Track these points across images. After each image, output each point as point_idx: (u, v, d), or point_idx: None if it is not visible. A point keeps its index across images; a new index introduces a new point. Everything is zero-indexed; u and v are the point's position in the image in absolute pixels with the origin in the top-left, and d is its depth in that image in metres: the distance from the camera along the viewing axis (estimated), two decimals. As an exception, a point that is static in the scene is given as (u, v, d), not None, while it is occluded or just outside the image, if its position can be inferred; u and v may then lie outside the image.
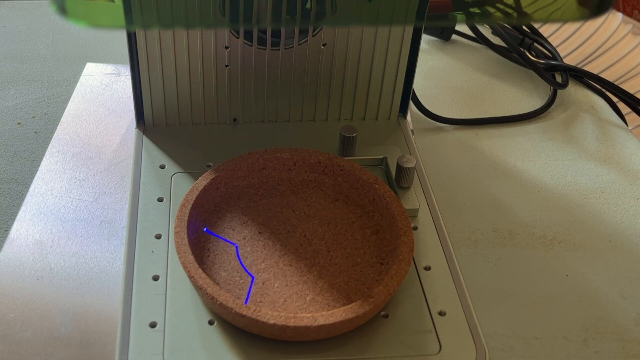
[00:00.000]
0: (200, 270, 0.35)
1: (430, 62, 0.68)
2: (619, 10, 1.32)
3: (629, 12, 1.36)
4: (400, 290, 0.37)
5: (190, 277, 0.35)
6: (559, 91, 0.63)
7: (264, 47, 0.46)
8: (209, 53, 0.46)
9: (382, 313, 0.36)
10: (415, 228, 0.41)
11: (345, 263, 0.38)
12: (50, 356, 0.38)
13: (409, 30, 0.47)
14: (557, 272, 0.45)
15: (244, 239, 0.39)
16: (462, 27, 0.70)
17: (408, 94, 0.51)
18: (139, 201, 0.42)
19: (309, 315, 0.34)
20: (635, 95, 0.64)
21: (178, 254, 0.36)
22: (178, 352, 0.34)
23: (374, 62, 0.48)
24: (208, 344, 0.34)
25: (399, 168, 0.43)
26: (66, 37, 0.70)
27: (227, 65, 0.47)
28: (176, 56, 0.46)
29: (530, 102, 0.62)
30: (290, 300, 0.36)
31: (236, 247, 0.38)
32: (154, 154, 0.46)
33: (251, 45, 0.46)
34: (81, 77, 0.62)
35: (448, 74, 0.66)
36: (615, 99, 0.65)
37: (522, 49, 0.65)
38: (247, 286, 0.37)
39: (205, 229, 0.39)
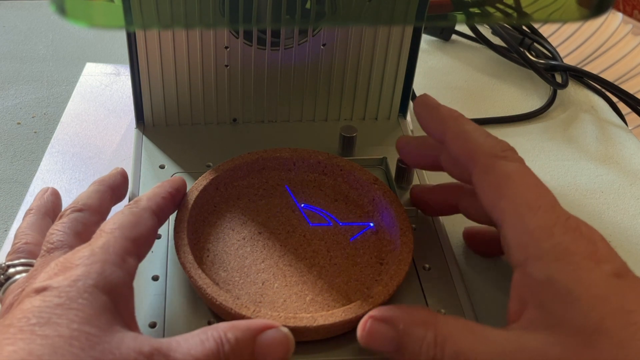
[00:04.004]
0: (199, 271, 0.35)
1: (430, 62, 0.68)
2: (619, 10, 1.32)
3: (629, 12, 1.36)
4: (400, 291, 0.37)
5: (190, 277, 0.35)
6: (559, 91, 0.63)
7: (263, 47, 0.46)
8: (208, 53, 0.46)
9: (381, 313, 0.36)
10: (415, 228, 0.41)
11: (345, 263, 0.38)
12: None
13: (409, 30, 0.47)
14: (557, 272, 0.45)
15: (244, 239, 0.39)
16: (462, 27, 0.70)
17: (408, 94, 0.51)
18: (139, 201, 0.42)
19: (308, 315, 0.34)
20: (635, 95, 0.64)
21: (178, 254, 0.36)
22: (177, 352, 0.34)
23: (374, 62, 0.48)
24: (208, 344, 0.34)
25: (399, 168, 0.43)
26: (66, 37, 0.70)
27: (226, 65, 0.47)
28: (176, 56, 0.46)
29: (530, 102, 0.62)
30: (290, 300, 0.36)
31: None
32: (153, 154, 0.46)
33: (251, 46, 0.46)
34: (81, 77, 0.62)
35: (448, 74, 0.66)
36: (615, 99, 0.65)
37: (522, 49, 0.65)
38: (246, 286, 0.37)
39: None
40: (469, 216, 0.39)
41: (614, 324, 0.28)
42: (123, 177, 0.41)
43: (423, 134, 0.38)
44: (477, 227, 0.41)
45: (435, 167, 0.39)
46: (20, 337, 0.26)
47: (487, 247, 0.42)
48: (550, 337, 0.29)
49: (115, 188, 0.40)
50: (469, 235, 0.42)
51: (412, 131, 0.51)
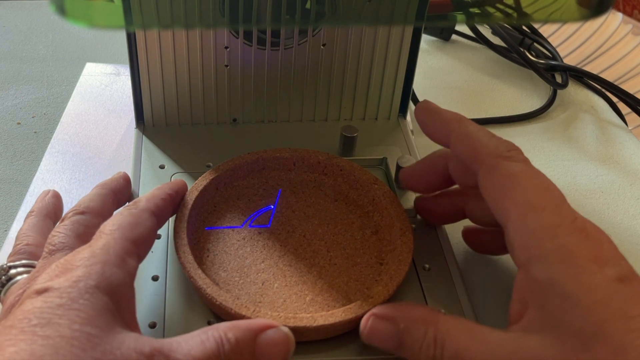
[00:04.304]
0: (199, 271, 0.35)
1: (430, 62, 0.68)
2: (619, 10, 1.32)
3: (629, 12, 1.36)
4: (400, 291, 0.37)
5: (190, 278, 0.35)
6: (559, 91, 0.63)
7: (263, 47, 0.46)
8: (208, 53, 0.46)
9: (381, 313, 0.36)
10: (414, 228, 0.41)
11: (345, 263, 0.38)
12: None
13: (409, 30, 0.47)
14: (557, 273, 0.45)
15: (244, 239, 0.39)
16: (462, 27, 0.70)
17: (408, 94, 0.51)
18: (139, 201, 0.42)
19: (308, 315, 0.34)
20: (635, 95, 0.64)
21: (177, 254, 0.36)
22: (177, 352, 0.34)
23: (374, 62, 0.48)
24: (207, 345, 0.34)
25: (399, 168, 0.43)
26: (66, 37, 0.70)
27: (226, 66, 0.47)
28: (176, 56, 0.46)
29: (530, 102, 0.62)
30: (290, 300, 0.36)
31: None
32: (153, 154, 0.46)
33: (251, 46, 0.46)
34: (81, 77, 0.62)
35: (448, 74, 0.66)
36: (615, 99, 0.65)
37: (522, 49, 0.65)
38: (246, 287, 0.37)
39: (206, 228, 0.39)
40: (474, 220, 0.39)
41: (613, 329, 0.27)
42: (125, 181, 0.41)
43: (424, 139, 0.38)
44: (476, 228, 0.41)
45: (447, 183, 0.38)
46: (22, 337, 0.26)
47: (485, 245, 0.42)
48: (547, 339, 0.29)
49: (118, 191, 0.40)
50: (467, 233, 0.42)
51: (412, 131, 0.51)
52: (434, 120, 0.37)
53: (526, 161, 0.33)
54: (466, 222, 0.41)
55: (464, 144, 0.35)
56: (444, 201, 0.40)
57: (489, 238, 0.40)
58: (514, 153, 0.33)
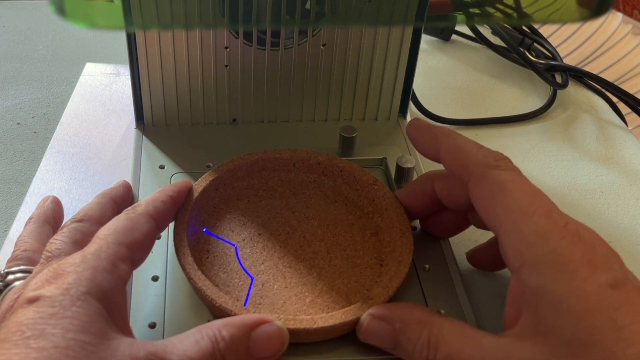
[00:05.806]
0: (199, 272, 0.35)
1: (430, 62, 0.68)
2: (619, 10, 1.32)
3: (629, 12, 1.36)
4: (400, 291, 0.37)
5: (189, 279, 0.35)
6: (559, 91, 0.63)
7: (263, 48, 0.46)
8: (208, 53, 0.46)
9: (381, 314, 0.36)
10: (414, 229, 0.41)
11: (345, 264, 0.38)
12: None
13: (409, 30, 0.47)
14: (557, 273, 0.45)
15: (244, 240, 0.39)
16: (462, 27, 0.70)
17: (408, 94, 0.51)
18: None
19: (308, 317, 0.34)
20: (635, 95, 0.64)
21: (177, 255, 0.36)
22: (177, 353, 0.34)
23: (374, 62, 0.48)
24: (207, 345, 0.34)
25: (399, 168, 0.43)
26: (66, 37, 0.70)
27: (226, 66, 0.47)
28: (175, 56, 0.46)
29: (530, 102, 0.62)
30: (290, 302, 0.36)
31: (235, 247, 0.38)
32: (153, 154, 0.46)
33: (250, 46, 0.46)
34: (81, 77, 0.62)
35: (448, 74, 0.66)
36: (615, 99, 0.64)
37: (522, 49, 0.65)
38: (246, 287, 0.37)
39: (204, 230, 0.39)
40: (478, 224, 0.39)
41: (603, 338, 0.27)
42: (126, 189, 0.42)
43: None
44: (477, 247, 0.41)
45: (437, 205, 0.39)
46: (16, 351, 0.26)
47: (492, 263, 0.41)
48: (539, 346, 0.29)
49: (118, 199, 0.40)
50: (473, 257, 0.42)
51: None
52: (424, 136, 0.37)
53: (515, 169, 0.34)
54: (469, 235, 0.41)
55: (453, 156, 0.35)
56: (446, 212, 0.40)
57: (493, 256, 0.40)
58: (502, 162, 0.34)
